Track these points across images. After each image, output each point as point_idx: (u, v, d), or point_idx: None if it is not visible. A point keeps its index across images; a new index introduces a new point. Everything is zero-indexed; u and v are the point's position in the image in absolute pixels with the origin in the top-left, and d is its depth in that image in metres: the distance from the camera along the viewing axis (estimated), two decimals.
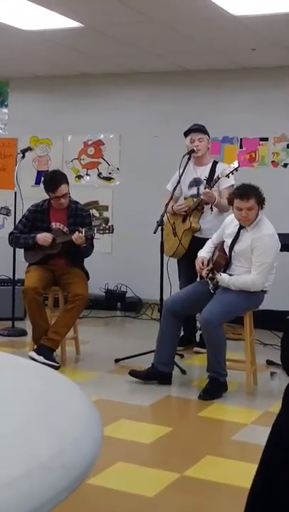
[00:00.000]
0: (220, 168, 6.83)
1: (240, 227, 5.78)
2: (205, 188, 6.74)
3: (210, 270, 5.71)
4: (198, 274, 5.99)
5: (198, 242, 6.44)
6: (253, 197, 5.65)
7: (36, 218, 6.66)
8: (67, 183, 6.58)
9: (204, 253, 6.06)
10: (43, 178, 6.79)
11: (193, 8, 6.39)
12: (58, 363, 6.27)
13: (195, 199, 6.90)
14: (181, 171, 6.89)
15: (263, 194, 5.76)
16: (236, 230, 5.81)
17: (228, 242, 5.86)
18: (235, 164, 6.57)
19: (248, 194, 5.67)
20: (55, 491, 1.50)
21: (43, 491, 1.48)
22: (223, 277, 5.65)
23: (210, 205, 6.79)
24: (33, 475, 1.49)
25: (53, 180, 6.55)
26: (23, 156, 7.76)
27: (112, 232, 6.42)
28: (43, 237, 6.48)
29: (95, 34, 7.43)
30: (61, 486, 1.52)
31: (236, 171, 6.57)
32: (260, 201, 5.69)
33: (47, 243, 6.46)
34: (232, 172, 6.54)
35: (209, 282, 5.61)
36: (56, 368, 6.13)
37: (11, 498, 1.40)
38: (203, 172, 6.98)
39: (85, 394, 2.07)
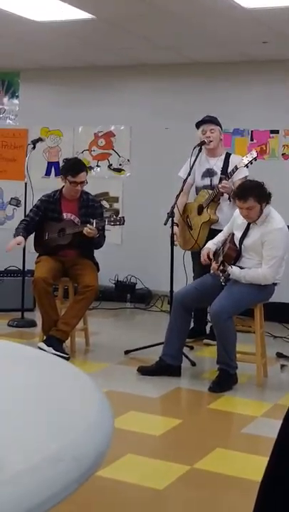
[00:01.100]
0: (234, 160, 6.79)
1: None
2: (222, 180, 6.68)
3: (221, 262, 5.69)
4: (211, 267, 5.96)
5: (215, 235, 6.38)
6: (250, 197, 5.60)
7: (48, 209, 6.65)
8: (87, 171, 6.63)
9: (211, 244, 6.04)
10: (64, 162, 6.78)
11: (204, 0, 6.35)
12: (67, 354, 6.28)
13: (209, 190, 6.85)
14: (192, 162, 6.85)
15: (266, 190, 5.70)
16: (246, 224, 5.79)
17: (237, 234, 5.84)
18: (254, 154, 6.51)
19: (245, 195, 5.64)
20: (66, 482, 1.49)
21: (53, 483, 1.47)
22: (234, 270, 5.63)
23: (228, 197, 6.74)
24: (43, 466, 1.49)
25: (76, 164, 6.64)
26: (34, 147, 7.76)
27: (122, 224, 6.41)
28: (12, 245, 6.52)
29: (106, 26, 7.41)
30: (72, 477, 1.52)
31: (255, 160, 6.52)
32: (262, 199, 5.63)
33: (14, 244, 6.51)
34: (251, 162, 6.48)
35: (220, 275, 5.58)
36: (66, 359, 6.13)
37: (22, 490, 1.39)
38: (216, 163, 6.94)
39: (97, 385, 2.06)
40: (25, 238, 6.61)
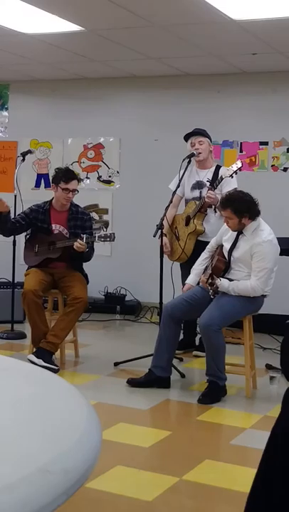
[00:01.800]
0: (223, 172, 6.82)
1: (239, 233, 5.77)
2: (208, 190, 6.71)
3: (209, 275, 5.69)
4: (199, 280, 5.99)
5: (202, 246, 6.40)
6: (228, 208, 5.65)
7: (37, 219, 6.66)
8: (78, 182, 6.69)
9: (190, 280, 6.10)
10: (56, 171, 6.78)
11: (193, 12, 6.40)
12: (57, 366, 6.28)
13: (196, 201, 6.89)
14: (181, 174, 6.88)
15: (248, 204, 5.69)
16: (235, 235, 5.81)
17: (226, 246, 5.86)
18: (239, 164, 6.55)
19: (223, 204, 5.71)
20: (55, 494, 1.50)
21: (42, 495, 1.48)
22: (222, 283, 5.64)
23: (213, 208, 6.76)
24: (33, 479, 1.49)
25: (68, 172, 6.67)
26: (23, 159, 7.76)
27: (112, 240, 6.43)
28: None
29: (95, 38, 7.44)
30: (61, 489, 1.52)
31: (240, 170, 6.55)
32: (239, 212, 5.63)
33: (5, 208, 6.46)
34: (235, 172, 6.51)
35: (209, 288, 5.60)
36: (55, 371, 6.14)
37: (12, 502, 1.40)
38: (206, 175, 6.96)
39: (84, 397, 2.07)
40: (9, 219, 6.60)
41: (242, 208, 5.64)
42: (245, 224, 5.68)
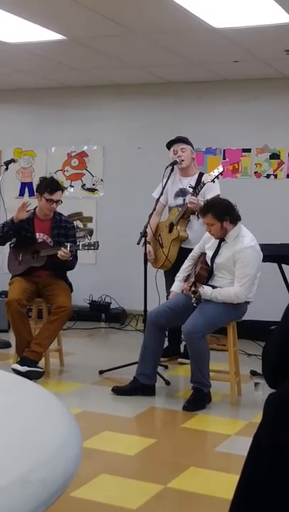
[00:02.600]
0: (205, 177, 6.82)
1: (221, 240, 5.79)
2: (191, 196, 6.72)
3: (192, 283, 5.69)
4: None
5: (186, 253, 6.40)
6: (208, 213, 5.70)
7: (21, 227, 6.64)
8: (63, 192, 6.67)
9: (175, 288, 6.10)
10: (41, 180, 6.76)
11: (174, 20, 6.42)
12: (42, 369, 6.31)
13: (179, 208, 6.90)
14: (164, 182, 6.89)
15: (227, 207, 5.75)
16: (217, 243, 5.82)
17: (209, 254, 5.87)
18: (220, 169, 6.58)
19: (203, 211, 5.78)
20: (34, 504, 1.50)
21: (21, 505, 1.48)
22: (205, 290, 5.64)
23: (196, 214, 6.76)
24: (11, 488, 1.49)
25: (53, 183, 6.66)
26: (7, 168, 7.74)
27: (96, 249, 6.44)
28: (20, 214, 6.52)
29: (77, 46, 7.45)
30: (39, 500, 1.52)
31: (221, 175, 6.58)
32: (220, 216, 5.67)
33: (23, 216, 6.50)
34: (217, 177, 6.53)
35: (192, 296, 5.60)
36: (41, 374, 6.23)
37: None
38: (189, 183, 6.95)
39: (65, 406, 2.07)
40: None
41: (221, 211, 5.68)
42: (227, 229, 5.70)
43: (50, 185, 6.56)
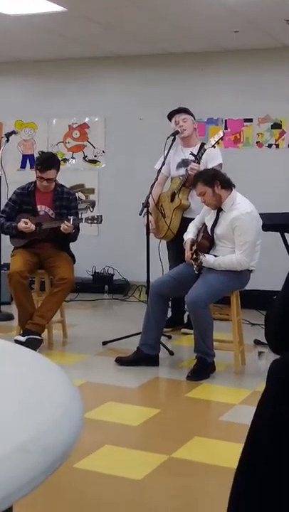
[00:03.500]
0: (207, 145, 6.79)
1: (219, 210, 5.77)
2: (192, 163, 6.68)
3: (194, 252, 5.69)
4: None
5: (188, 223, 6.36)
6: (198, 183, 5.75)
7: (22, 201, 6.61)
8: (58, 170, 6.54)
9: (191, 234, 6.03)
10: (39, 155, 6.72)
11: None
12: (41, 337, 6.32)
13: (181, 177, 6.86)
14: (166, 153, 6.85)
15: (213, 172, 5.88)
16: (216, 213, 5.81)
17: (208, 224, 5.85)
18: (220, 134, 6.58)
19: (193, 182, 5.86)
20: (34, 474, 1.48)
21: (21, 474, 1.46)
22: (207, 258, 5.63)
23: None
24: (11, 457, 1.47)
25: (46, 160, 6.55)
26: (8, 140, 7.71)
27: (100, 223, 6.44)
28: (24, 228, 6.42)
29: (78, 18, 7.39)
30: (39, 469, 1.50)
31: (222, 139, 6.57)
32: (209, 181, 5.69)
33: (30, 231, 6.41)
34: (217, 142, 6.52)
35: (193, 263, 5.60)
36: (40, 341, 6.26)
37: None
38: (190, 153, 6.93)
39: (66, 376, 2.05)
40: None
41: (210, 176, 5.74)
42: (220, 195, 5.69)
43: (42, 163, 6.49)
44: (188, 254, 5.81)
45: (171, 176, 7.08)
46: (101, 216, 6.40)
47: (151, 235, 6.73)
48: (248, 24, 7.47)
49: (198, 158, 6.68)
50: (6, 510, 1.75)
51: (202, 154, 6.65)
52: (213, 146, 6.56)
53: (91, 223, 6.40)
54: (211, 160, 6.68)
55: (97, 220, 6.37)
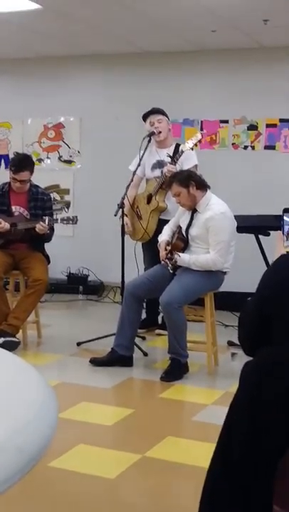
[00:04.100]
0: (183, 146, 6.80)
1: (194, 211, 5.82)
2: (169, 164, 6.71)
3: (168, 251, 5.73)
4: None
5: (164, 225, 6.39)
6: (173, 183, 5.84)
7: None
8: (32, 172, 6.52)
9: (166, 236, 6.06)
10: (13, 155, 6.72)
11: None
12: (18, 339, 6.34)
13: (157, 179, 6.87)
14: (141, 154, 6.87)
15: (188, 173, 5.95)
16: (190, 214, 5.85)
17: (183, 225, 5.89)
18: (198, 136, 6.62)
19: (168, 183, 5.98)
20: (9, 473, 1.50)
21: None
22: (182, 257, 5.67)
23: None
24: None
25: (20, 162, 6.53)
26: None
27: (75, 223, 6.46)
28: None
29: (53, 16, 7.38)
30: (15, 468, 1.52)
31: (200, 142, 6.60)
32: (184, 182, 5.76)
33: (4, 230, 6.40)
34: (195, 144, 6.56)
35: (168, 263, 5.64)
36: (17, 343, 6.27)
37: None
38: (165, 154, 6.94)
39: (41, 376, 2.07)
40: None
41: (184, 177, 5.80)
42: (195, 196, 5.74)
43: (16, 164, 6.48)
44: (162, 253, 5.84)
45: (147, 178, 7.09)
46: (76, 217, 6.42)
47: (127, 236, 6.75)
48: (226, 24, 7.50)
49: (175, 159, 6.70)
50: None
51: (179, 156, 6.68)
52: (191, 149, 6.60)
53: (66, 224, 6.43)
54: (187, 161, 6.71)
55: (73, 220, 6.39)
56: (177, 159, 6.69)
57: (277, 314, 2.52)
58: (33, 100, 9.69)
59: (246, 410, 2.40)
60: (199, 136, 6.63)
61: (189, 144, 6.58)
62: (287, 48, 8.44)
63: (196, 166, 6.74)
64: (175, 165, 6.67)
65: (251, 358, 2.58)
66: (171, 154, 6.85)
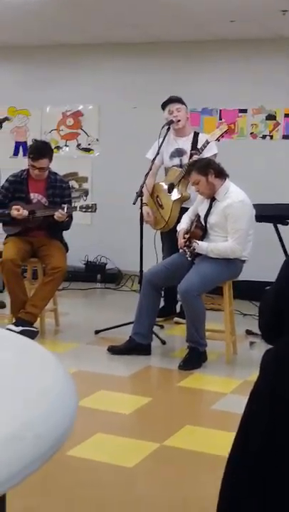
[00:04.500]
0: (202, 138, 6.77)
1: (212, 199, 5.79)
2: (192, 155, 6.67)
3: (187, 239, 5.72)
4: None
5: (185, 213, 6.37)
6: (192, 171, 5.84)
7: (15, 189, 6.59)
8: (51, 159, 6.50)
9: (184, 225, 6.04)
10: (32, 143, 6.71)
11: None
12: (36, 328, 6.33)
13: (179, 168, 6.84)
14: (160, 142, 6.84)
15: (207, 161, 5.95)
16: (209, 202, 5.83)
17: (202, 213, 5.87)
18: (225, 127, 6.62)
19: (187, 172, 6.04)
20: (26, 461, 1.49)
21: (15, 460, 1.47)
22: (201, 244, 5.66)
23: None
24: (5, 444, 1.48)
25: (38, 149, 6.50)
26: (1, 127, 7.69)
27: (94, 211, 6.43)
28: (17, 213, 6.40)
29: (71, 4, 7.35)
30: (33, 455, 1.51)
31: (226, 133, 6.57)
32: (203, 170, 5.74)
33: (22, 217, 6.39)
34: (222, 135, 6.53)
35: (186, 250, 5.62)
36: (36, 332, 6.25)
37: None
38: (184, 143, 6.91)
39: (61, 364, 2.06)
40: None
41: (203, 165, 5.79)
42: (214, 184, 5.72)
43: (34, 152, 6.47)
44: (181, 241, 5.83)
45: (165, 166, 7.06)
46: (95, 205, 6.40)
47: (145, 224, 6.71)
48: (244, 14, 7.45)
49: (201, 150, 6.67)
50: (0, 498, 1.76)
51: (205, 147, 6.64)
52: (218, 140, 6.57)
53: (85, 211, 6.39)
54: (207, 150, 6.67)
55: (92, 208, 6.37)
56: (202, 150, 6.65)
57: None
58: (51, 88, 9.66)
59: (266, 400, 2.38)
60: (225, 128, 6.61)
61: (215, 135, 6.55)
62: None
63: (215, 155, 6.71)
64: (199, 155, 6.62)
65: (271, 346, 2.56)
66: (190, 143, 6.82)
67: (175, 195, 6.80)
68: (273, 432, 2.30)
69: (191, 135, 6.94)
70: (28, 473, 1.48)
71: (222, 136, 6.55)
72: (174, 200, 6.80)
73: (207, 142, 6.62)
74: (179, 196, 6.77)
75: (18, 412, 1.64)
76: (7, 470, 1.43)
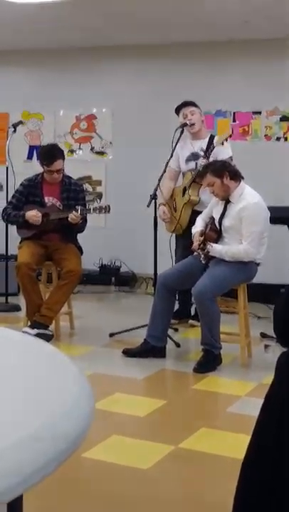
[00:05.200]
0: (216, 140, 6.80)
1: (227, 202, 5.79)
2: (202, 159, 6.70)
3: (201, 242, 5.71)
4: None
5: (198, 216, 6.39)
6: (207, 173, 5.83)
7: (30, 193, 6.62)
8: (64, 158, 6.54)
9: (199, 227, 6.05)
10: (40, 150, 6.74)
11: None
12: (51, 332, 6.35)
13: (192, 172, 6.86)
14: (174, 145, 6.85)
15: (222, 163, 5.95)
16: (223, 205, 5.83)
17: (216, 216, 5.87)
18: (229, 132, 6.73)
19: (201, 174, 6.02)
20: (44, 461, 1.49)
21: (31, 462, 1.47)
22: (215, 247, 5.66)
23: None
24: (22, 445, 1.49)
25: (49, 153, 6.52)
26: (15, 130, 7.71)
27: (108, 212, 6.45)
28: (33, 216, 6.43)
29: (83, 7, 7.37)
30: (49, 457, 1.51)
31: (230, 137, 6.61)
32: (218, 173, 5.74)
33: (37, 222, 6.42)
34: (226, 139, 6.56)
35: (200, 253, 5.62)
36: (50, 336, 6.28)
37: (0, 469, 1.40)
38: (200, 146, 6.93)
39: (77, 366, 2.06)
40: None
41: (218, 167, 5.79)
42: (229, 186, 5.72)
43: (46, 157, 6.49)
44: (195, 244, 5.82)
45: (182, 171, 7.08)
46: (109, 206, 6.42)
47: (159, 227, 6.73)
48: (258, 14, 7.44)
49: (207, 154, 6.69)
50: (17, 499, 1.76)
51: (211, 151, 6.68)
52: (222, 144, 6.60)
53: (99, 213, 6.41)
54: (221, 153, 6.69)
55: (106, 209, 6.39)
56: (209, 154, 6.67)
57: None
58: (65, 91, 9.69)
59: (282, 402, 2.38)
60: (229, 133, 6.79)
61: (220, 139, 6.63)
62: None
63: (230, 157, 6.72)
64: (208, 160, 6.64)
65: (286, 349, 2.56)
66: (206, 146, 6.84)
67: (185, 198, 6.84)
68: (286, 432, 2.30)
69: (207, 138, 6.95)
70: (45, 475, 1.49)
71: (226, 140, 6.61)
72: (184, 203, 6.84)
73: (213, 147, 6.67)
74: (188, 199, 6.79)
75: (37, 414, 1.65)
76: (25, 471, 1.43)
